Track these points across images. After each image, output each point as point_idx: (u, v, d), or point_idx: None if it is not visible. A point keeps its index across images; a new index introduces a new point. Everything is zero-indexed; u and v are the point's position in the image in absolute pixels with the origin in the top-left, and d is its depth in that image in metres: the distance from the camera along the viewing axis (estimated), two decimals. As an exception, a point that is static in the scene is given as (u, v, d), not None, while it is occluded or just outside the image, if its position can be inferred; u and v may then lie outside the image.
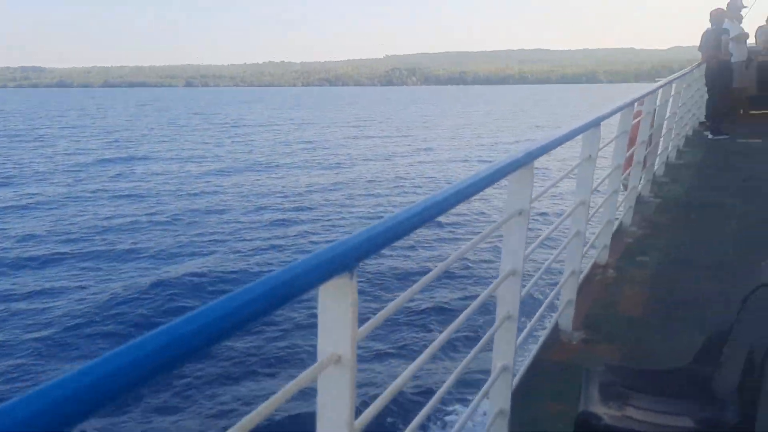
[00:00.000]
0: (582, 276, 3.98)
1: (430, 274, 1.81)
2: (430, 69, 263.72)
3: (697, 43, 11.27)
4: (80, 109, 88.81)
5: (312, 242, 13.62)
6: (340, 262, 1.21)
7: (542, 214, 14.73)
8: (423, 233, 13.03)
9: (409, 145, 36.03)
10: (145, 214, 16.64)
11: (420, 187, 21.34)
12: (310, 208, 17.59)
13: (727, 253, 5.11)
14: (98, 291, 10.61)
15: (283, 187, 21.39)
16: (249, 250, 13.08)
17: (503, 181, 2.23)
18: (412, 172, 25.02)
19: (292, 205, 18.01)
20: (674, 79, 7.98)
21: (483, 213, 15.86)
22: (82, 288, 10.83)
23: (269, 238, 14.10)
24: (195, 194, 20.06)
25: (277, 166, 27.29)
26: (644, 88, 6.16)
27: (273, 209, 17.51)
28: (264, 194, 20.04)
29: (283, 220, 16.07)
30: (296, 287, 1.06)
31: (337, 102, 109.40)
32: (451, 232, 14.13)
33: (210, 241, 13.90)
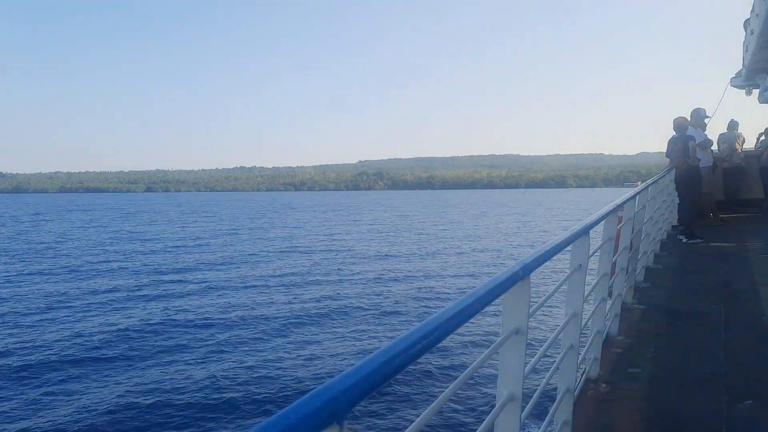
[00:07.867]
0: (576, 393, 3.76)
1: (427, 413, 1.61)
2: (399, 174, 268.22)
3: (663, 150, 11.51)
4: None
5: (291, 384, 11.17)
6: (327, 412, 1.02)
7: (532, 328, 13.75)
8: (413, 366, 11.39)
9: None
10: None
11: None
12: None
13: (718, 366, 4.93)
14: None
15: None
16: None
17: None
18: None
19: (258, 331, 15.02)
20: (650, 184, 8.06)
21: (472, 332, 13.95)
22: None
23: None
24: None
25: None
26: (623, 193, 6.14)
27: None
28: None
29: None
30: None
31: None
32: (441, 359, 12.36)
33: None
